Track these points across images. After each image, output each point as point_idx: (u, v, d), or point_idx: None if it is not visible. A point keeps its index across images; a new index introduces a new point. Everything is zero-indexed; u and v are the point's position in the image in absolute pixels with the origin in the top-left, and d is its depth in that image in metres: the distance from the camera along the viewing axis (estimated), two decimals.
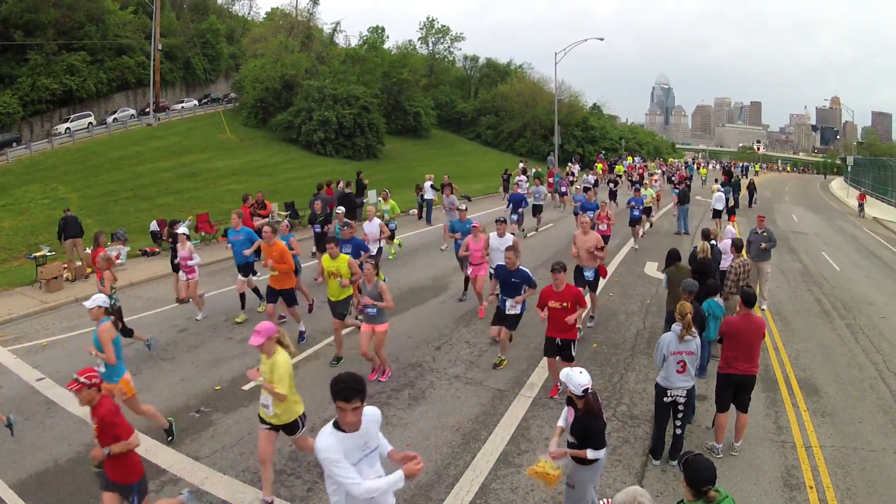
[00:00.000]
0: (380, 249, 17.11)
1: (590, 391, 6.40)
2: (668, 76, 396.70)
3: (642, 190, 26.12)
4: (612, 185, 34.44)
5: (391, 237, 20.37)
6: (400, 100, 69.06)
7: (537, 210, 27.68)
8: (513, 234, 21.06)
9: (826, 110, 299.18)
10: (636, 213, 23.46)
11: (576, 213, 21.99)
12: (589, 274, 13.83)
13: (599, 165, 53.73)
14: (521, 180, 33.61)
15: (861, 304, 17.64)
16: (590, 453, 6.42)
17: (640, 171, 51.99)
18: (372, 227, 16.92)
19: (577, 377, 6.37)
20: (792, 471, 8.62)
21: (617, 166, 56.50)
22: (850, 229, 36.20)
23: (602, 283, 15.46)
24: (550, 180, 37.28)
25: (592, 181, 38.28)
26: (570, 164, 51.15)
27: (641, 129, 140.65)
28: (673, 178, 42.14)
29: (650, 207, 27.78)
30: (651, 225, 28.09)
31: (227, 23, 77.04)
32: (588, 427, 6.42)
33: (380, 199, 23.11)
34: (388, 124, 63.90)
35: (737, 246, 13.25)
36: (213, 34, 69.54)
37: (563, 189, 34.52)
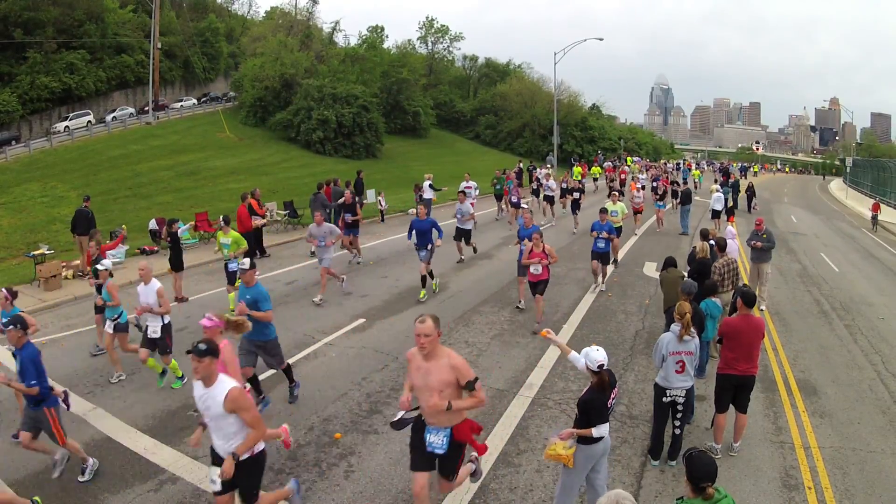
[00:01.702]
0: (166, 326, 10.78)
1: (605, 368, 6.72)
2: (667, 76, 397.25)
3: (610, 205, 19.99)
4: (576, 193, 28.35)
5: (231, 282, 14.82)
6: (399, 99, 69.05)
7: (462, 235, 20.37)
8: (425, 275, 16.30)
9: (825, 111, 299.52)
10: (600, 244, 16.77)
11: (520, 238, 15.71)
12: (436, 442, 6.57)
13: (578, 169, 45.12)
14: (468, 188, 26.01)
15: (860, 305, 17.67)
16: (594, 430, 6.58)
17: (622, 175, 45.75)
18: (147, 292, 10.89)
19: (594, 354, 6.72)
20: (791, 471, 8.62)
21: (593, 168, 51.41)
22: (848, 230, 36.24)
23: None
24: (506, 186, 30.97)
25: (554, 188, 30.54)
26: (537, 168, 42.14)
27: (640, 129, 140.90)
28: (655, 185, 34.17)
29: (621, 227, 20.89)
30: (616, 264, 20.39)
31: (226, 22, 77.05)
32: (591, 400, 6.66)
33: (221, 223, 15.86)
34: (388, 124, 63.88)
35: (720, 246, 13.28)
36: (212, 33, 69.54)
37: (515, 199, 27.44)
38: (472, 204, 23.49)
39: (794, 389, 11.36)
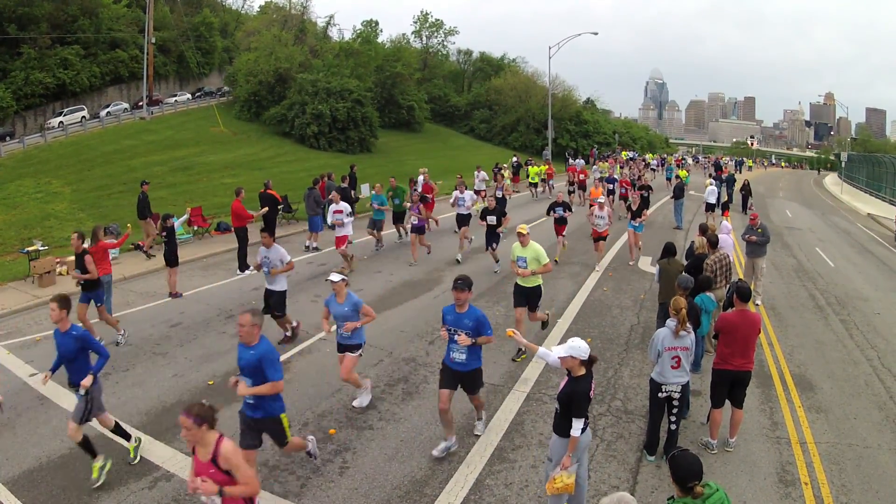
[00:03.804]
0: None
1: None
2: (662, 71, 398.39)
3: (516, 249, 11.85)
4: (491, 217, 18.24)
5: None
6: (393, 93, 68.98)
7: (272, 302, 12.43)
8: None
9: (820, 106, 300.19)
10: (456, 355, 8.40)
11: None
12: None
13: (536, 169, 38.14)
14: (338, 212, 18.43)
15: (855, 300, 17.67)
16: (573, 431, 6.59)
17: (581, 175, 35.93)
18: None
19: (583, 344, 6.71)
20: (787, 467, 8.62)
21: (532, 167, 39.23)
22: (843, 225, 36.27)
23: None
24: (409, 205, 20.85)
25: (467, 202, 21.61)
26: (476, 173, 32.33)
27: (635, 123, 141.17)
28: (612, 189, 29.75)
29: (539, 289, 12.15)
30: (522, 352, 12.02)
31: (220, 16, 76.67)
32: (574, 390, 6.66)
33: None
34: (382, 118, 63.79)
35: (711, 242, 13.27)
36: (206, 28, 69.23)
37: (416, 221, 19.76)
38: (342, 239, 18.29)
39: (789, 385, 11.37)
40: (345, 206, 18.48)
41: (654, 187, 31.59)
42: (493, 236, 18.50)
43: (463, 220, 21.23)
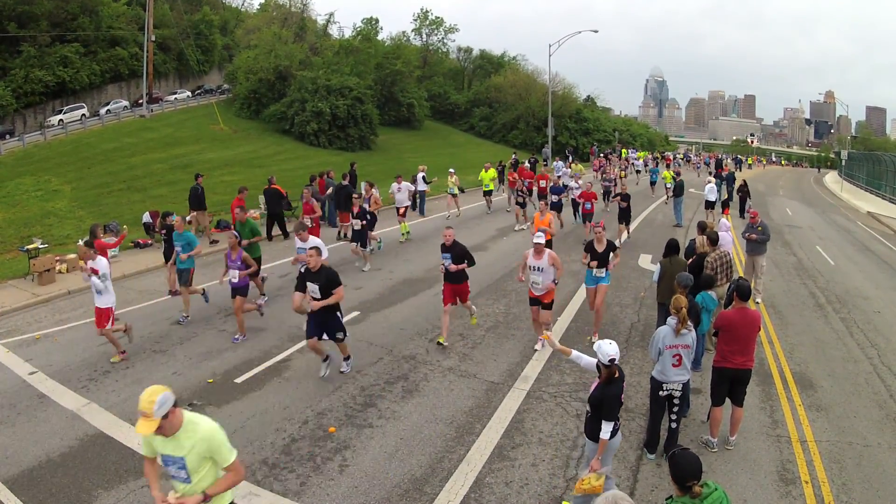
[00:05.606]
0: None
1: (616, 362, 6.72)
2: (662, 69, 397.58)
3: (156, 444, 5.26)
4: (308, 285, 10.27)
5: None
6: (393, 91, 68.87)
7: None
8: None
9: (820, 104, 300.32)
10: None
11: None
12: None
13: (487, 174, 29.29)
14: (93, 271, 11.36)
15: (855, 299, 17.65)
16: (602, 433, 6.70)
17: (540, 181, 27.31)
18: None
19: (606, 347, 6.72)
20: (787, 465, 8.61)
21: (483, 172, 29.48)
22: (844, 223, 36.25)
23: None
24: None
25: (298, 244, 14.11)
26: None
27: (635, 121, 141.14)
28: (558, 200, 23.02)
29: None
30: None
31: (220, 14, 76.59)
32: (604, 394, 6.73)
33: None
34: (382, 115, 63.66)
35: (711, 239, 13.24)
36: (206, 25, 69.16)
37: (234, 278, 12.61)
38: (104, 315, 11.41)
39: (790, 383, 11.35)
40: (101, 263, 11.61)
41: (632, 195, 24.21)
42: (324, 320, 10.47)
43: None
